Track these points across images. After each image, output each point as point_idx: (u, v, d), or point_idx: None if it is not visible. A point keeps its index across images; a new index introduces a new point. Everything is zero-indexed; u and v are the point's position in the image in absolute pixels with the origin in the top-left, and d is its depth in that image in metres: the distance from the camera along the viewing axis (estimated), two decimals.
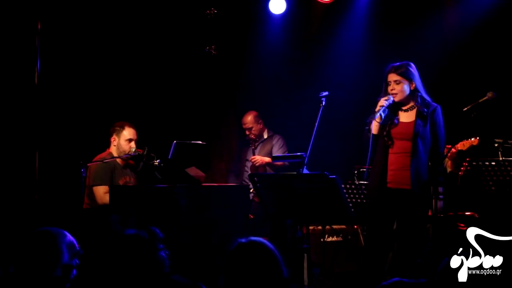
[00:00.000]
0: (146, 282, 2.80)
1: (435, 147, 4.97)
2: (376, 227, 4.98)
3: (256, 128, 7.22)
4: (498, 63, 6.84)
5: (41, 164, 5.77)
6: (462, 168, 5.66)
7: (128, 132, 6.02)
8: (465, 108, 4.92)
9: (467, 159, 5.39)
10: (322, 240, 6.26)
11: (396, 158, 4.94)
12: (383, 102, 4.94)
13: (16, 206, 6.26)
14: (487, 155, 5.44)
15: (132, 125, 6.07)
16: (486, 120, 5.66)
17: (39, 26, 5.82)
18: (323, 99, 5.26)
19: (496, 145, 5.30)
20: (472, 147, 5.61)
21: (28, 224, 5.74)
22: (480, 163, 5.25)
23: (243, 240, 2.74)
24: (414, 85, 4.97)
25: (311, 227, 6.13)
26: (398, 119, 4.98)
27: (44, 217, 5.72)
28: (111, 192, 5.39)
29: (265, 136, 7.30)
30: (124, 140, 5.99)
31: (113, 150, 6.03)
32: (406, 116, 5.00)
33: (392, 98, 4.96)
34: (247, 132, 7.24)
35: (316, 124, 5.09)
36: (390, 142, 4.95)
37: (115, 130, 6.04)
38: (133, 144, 5.98)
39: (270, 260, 2.69)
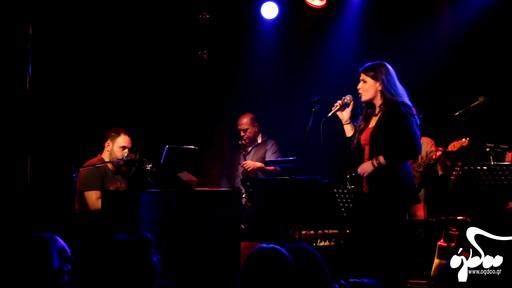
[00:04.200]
0: (137, 287, 2.79)
1: (398, 145, 4.77)
2: (357, 230, 4.94)
3: (251, 131, 7.18)
4: (490, 67, 6.87)
5: (33, 169, 5.75)
6: (454, 173, 5.68)
7: (123, 140, 6.00)
8: (457, 113, 4.91)
9: (459, 163, 5.41)
10: (314, 244, 6.26)
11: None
12: (338, 102, 5.01)
13: (7, 211, 6.24)
14: (479, 159, 5.45)
15: (128, 133, 6.06)
16: (477, 124, 5.68)
17: (30, 31, 5.80)
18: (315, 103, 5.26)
19: (487, 149, 5.32)
20: (462, 147, 5.61)
21: (20, 229, 5.71)
22: (472, 167, 5.27)
23: (264, 246, 2.72)
24: (380, 86, 4.87)
25: (303, 232, 6.13)
26: (367, 125, 4.96)
27: (36, 222, 5.70)
28: (103, 197, 5.37)
29: (259, 140, 7.27)
30: (118, 147, 5.98)
31: (105, 155, 6.02)
32: (373, 121, 4.95)
33: (348, 99, 5.00)
34: (242, 133, 7.20)
35: (308, 128, 5.08)
36: (359, 148, 4.94)
37: (111, 135, 6.03)
38: (126, 151, 5.97)
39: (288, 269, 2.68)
